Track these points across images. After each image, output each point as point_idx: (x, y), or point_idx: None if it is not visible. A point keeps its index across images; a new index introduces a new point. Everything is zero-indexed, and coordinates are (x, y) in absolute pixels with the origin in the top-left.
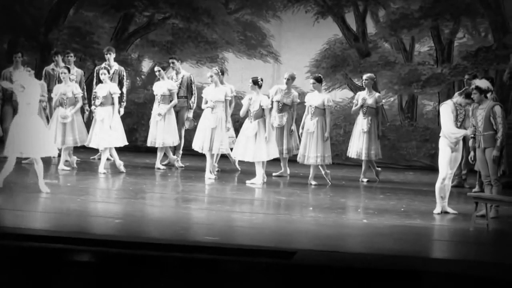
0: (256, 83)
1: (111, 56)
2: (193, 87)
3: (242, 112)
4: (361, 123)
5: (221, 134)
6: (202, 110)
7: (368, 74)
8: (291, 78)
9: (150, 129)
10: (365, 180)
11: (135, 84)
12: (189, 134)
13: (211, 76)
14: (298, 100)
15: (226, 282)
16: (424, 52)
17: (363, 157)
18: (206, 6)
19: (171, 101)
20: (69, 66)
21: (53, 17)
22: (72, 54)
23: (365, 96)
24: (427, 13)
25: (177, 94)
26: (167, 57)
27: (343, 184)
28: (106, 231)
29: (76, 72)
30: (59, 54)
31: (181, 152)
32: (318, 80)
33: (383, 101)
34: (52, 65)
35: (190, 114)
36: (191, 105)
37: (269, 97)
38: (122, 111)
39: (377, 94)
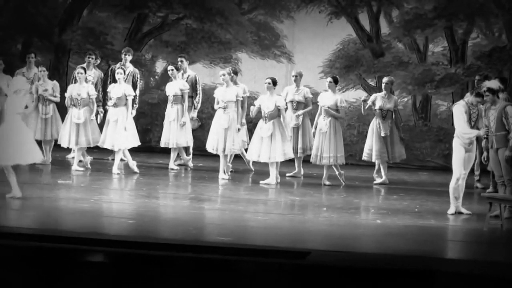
0: (275, 83)
1: (129, 58)
2: (198, 87)
3: (252, 113)
4: (383, 127)
5: (233, 135)
6: (214, 110)
7: (388, 78)
8: (299, 75)
9: (164, 130)
10: (378, 179)
11: (149, 85)
12: (203, 135)
13: (223, 75)
14: (311, 95)
15: (239, 283)
16: (438, 52)
17: (389, 160)
18: (220, 6)
19: (183, 101)
20: (84, 66)
21: (67, 18)
22: (93, 56)
23: (385, 101)
24: (441, 13)
25: None
26: None
27: (357, 185)
28: (120, 232)
29: (94, 73)
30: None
31: (191, 152)
32: (335, 81)
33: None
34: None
35: (194, 114)
36: (196, 104)
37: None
38: (134, 112)
39: (395, 98)
